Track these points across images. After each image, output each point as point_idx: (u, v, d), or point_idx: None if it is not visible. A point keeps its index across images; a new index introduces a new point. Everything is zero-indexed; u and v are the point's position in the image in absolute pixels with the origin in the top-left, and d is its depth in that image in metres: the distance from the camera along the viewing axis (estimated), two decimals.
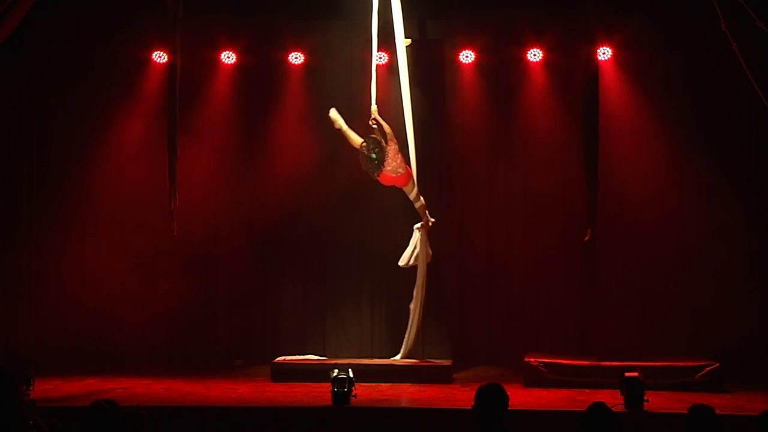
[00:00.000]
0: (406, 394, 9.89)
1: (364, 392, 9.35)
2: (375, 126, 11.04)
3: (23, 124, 12.62)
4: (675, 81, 12.11)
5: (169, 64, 10.82)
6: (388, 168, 10.97)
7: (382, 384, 10.35)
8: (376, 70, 11.11)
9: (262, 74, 12.68)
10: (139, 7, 11.93)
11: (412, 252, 11.22)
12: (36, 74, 12.58)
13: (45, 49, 12.43)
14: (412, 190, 11.18)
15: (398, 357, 11.17)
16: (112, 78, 12.59)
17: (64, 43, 12.37)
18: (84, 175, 12.63)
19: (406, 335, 11.19)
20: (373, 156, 10.88)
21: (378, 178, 11.04)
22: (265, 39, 12.47)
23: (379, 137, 10.96)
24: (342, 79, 12.45)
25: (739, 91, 11.29)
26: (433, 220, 11.26)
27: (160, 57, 12.41)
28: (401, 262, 11.27)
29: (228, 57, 12.56)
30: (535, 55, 12.26)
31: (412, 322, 11.16)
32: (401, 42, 10.99)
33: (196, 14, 11.01)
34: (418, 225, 11.26)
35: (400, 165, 11.02)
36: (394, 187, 11.25)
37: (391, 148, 10.96)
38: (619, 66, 12.17)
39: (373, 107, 11.06)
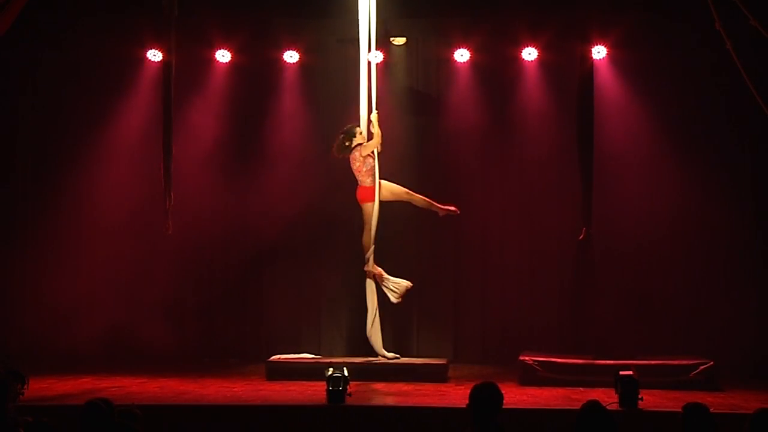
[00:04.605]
0: (401, 392, 9.88)
1: (359, 391, 9.36)
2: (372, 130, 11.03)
3: (19, 122, 12.64)
4: (669, 79, 12.13)
5: (164, 63, 10.80)
6: (356, 164, 10.92)
7: (378, 382, 10.36)
8: (368, 72, 11.09)
9: (256, 73, 12.69)
10: (134, 6, 11.92)
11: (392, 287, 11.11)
12: (31, 73, 12.59)
13: (40, 49, 12.43)
14: (370, 219, 11.00)
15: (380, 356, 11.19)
16: (106, 76, 12.60)
17: (59, 41, 12.37)
18: (78, 173, 12.63)
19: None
20: (341, 136, 10.92)
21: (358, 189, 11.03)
22: (259, 37, 12.48)
23: (357, 128, 10.95)
24: (337, 77, 12.46)
25: (733, 90, 11.30)
26: (380, 270, 11.07)
27: (154, 55, 12.41)
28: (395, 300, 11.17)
29: (223, 55, 12.57)
30: (529, 53, 12.27)
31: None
32: (372, 39, 10.96)
33: (191, 13, 11.02)
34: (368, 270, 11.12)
35: (367, 176, 10.97)
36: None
37: (366, 157, 10.94)
38: (613, 65, 12.19)
39: (374, 114, 11.04)
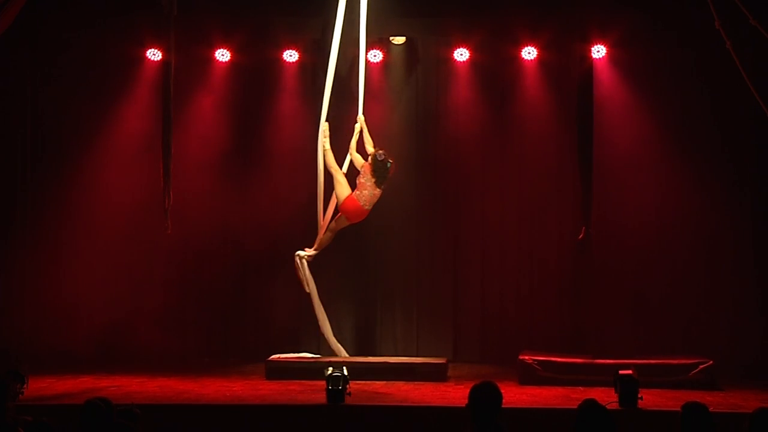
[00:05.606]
0: (400, 391, 9.88)
1: (359, 390, 9.37)
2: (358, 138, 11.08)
3: (18, 122, 12.62)
4: (669, 79, 12.12)
5: (164, 62, 10.81)
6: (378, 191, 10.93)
7: (377, 382, 10.36)
8: (366, 70, 11.11)
9: (256, 72, 12.67)
10: (133, 5, 11.92)
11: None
12: (30, 73, 12.57)
13: (39, 48, 12.41)
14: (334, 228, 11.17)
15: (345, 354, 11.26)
16: (106, 75, 12.58)
17: (58, 41, 12.35)
18: (77, 172, 12.62)
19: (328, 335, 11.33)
20: (389, 165, 10.88)
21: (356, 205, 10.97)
22: (259, 37, 12.45)
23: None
24: (337, 77, 12.43)
25: (733, 90, 11.29)
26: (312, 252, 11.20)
27: (154, 54, 12.40)
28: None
29: (222, 55, 12.55)
30: (529, 53, 12.26)
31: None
32: (363, 40, 11.00)
33: (191, 12, 11.03)
34: (304, 255, 11.21)
35: (375, 198, 10.98)
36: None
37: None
38: (613, 64, 12.18)
39: (360, 117, 11.06)
